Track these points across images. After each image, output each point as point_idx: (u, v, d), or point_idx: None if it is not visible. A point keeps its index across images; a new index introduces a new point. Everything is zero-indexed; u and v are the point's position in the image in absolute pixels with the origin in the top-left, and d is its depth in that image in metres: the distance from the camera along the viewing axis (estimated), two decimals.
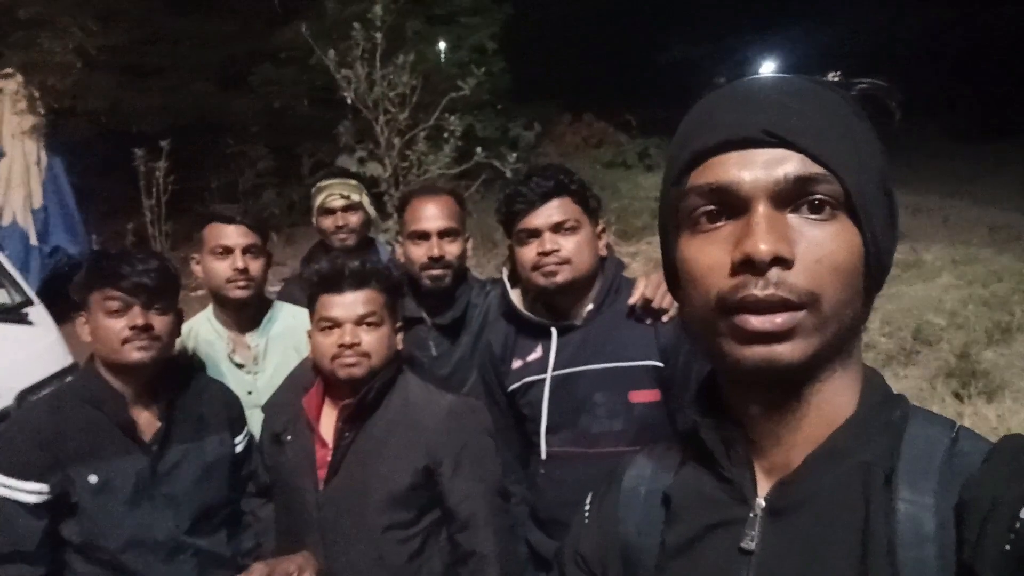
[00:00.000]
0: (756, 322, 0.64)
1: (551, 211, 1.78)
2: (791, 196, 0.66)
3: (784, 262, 0.64)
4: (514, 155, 6.42)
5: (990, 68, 13.15)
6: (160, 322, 1.79)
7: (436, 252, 2.13)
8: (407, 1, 7.39)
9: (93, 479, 1.73)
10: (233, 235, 2.15)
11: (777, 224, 0.65)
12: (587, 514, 0.89)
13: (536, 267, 1.79)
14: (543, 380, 1.84)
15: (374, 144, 6.37)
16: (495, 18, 9.97)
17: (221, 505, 1.93)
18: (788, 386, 0.69)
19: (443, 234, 2.15)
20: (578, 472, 1.72)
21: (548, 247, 1.77)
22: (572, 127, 11.28)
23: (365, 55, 6.03)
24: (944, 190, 10.11)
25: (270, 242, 2.31)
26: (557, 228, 1.78)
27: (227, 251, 2.14)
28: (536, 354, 1.88)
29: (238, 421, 2.03)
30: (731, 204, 0.67)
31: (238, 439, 2.00)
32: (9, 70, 6.81)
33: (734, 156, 0.67)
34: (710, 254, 0.68)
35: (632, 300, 1.79)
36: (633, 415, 1.74)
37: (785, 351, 0.64)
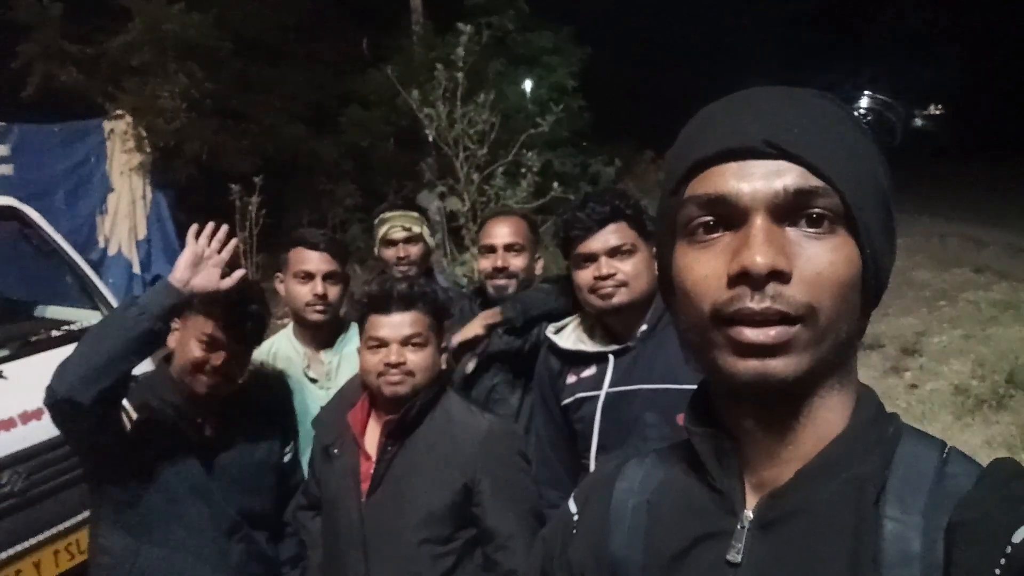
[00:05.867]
0: (751, 334, 0.63)
1: (607, 236, 1.80)
2: (790, 209, 0.64)
3: (781, 276, 0.62)
4: (591, 190, 6.45)
5: None
6: (239, 360, 1.94)
7: (500, 263, 2.31)
8: (489, 43, 7.61)
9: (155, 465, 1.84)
10: (316, 261, 2.26)
11: (775, 237, 0.63)
12: (575, 521, 0.87)
13: (593, 290, 1.81)
14: (596, 397, 1.83)
15: (454, 180, 6.54)
16: (575, 58, 10.13)
17: (265, 511, 2.02)
18: (783, 401, 0.67)
19: (508, 248, 2.34)
20: None
21: (605, 271, 1.78)
22: (653, 164, 11.25)
23: (447, 95, 6.24)
24: None
25: (353, 273, 2.43)
26: (614, 252, 1.80)
27: (309, 276, 2.25)
28: (590, 370, 1.88)
29: (286, 433, 2.14)
30: (729, 215, 0.66)
31: (286, 449, 2.11)
32: (119, 112, 7.36)
33: (733, 166, 0.66)
34: (706, 265, 0.67)
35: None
36: (681, 439, 1.71)
37: (779, 366, 0.63)
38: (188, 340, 1.87)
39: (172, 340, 1.93)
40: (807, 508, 0.67)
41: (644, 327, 1.83)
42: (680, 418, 1.69)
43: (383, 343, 1.81)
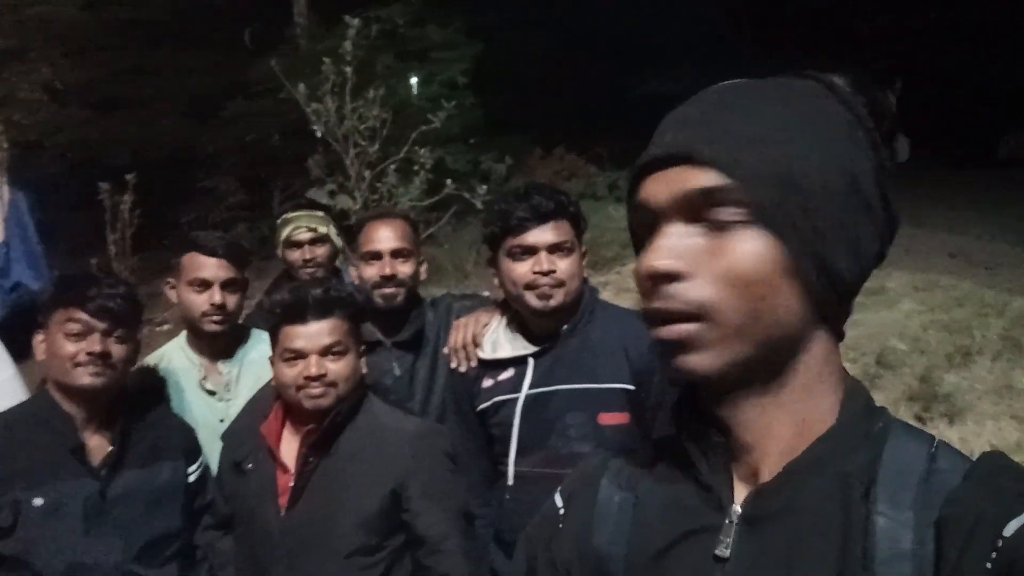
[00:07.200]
0: (661, 332, 0.68)
1: (549, 231, 1.77)
2: (695, 210, 0.67)
3: (679, 276, 0.66)
4: (484, 187, 6.49)
5: (954, 96, 13.45)
6: (117, 350, 1.79)
7: (388, 271, 2.17)
8: (378, 37, 7.46)
9: (38, 502, 1.70)
10: (213, 268, 2.13)
11: (675, 239, 0.67)
12: (561, 515, 0.87)
13: (530, 286, 1.77)
14: (515, 400, 1.82)
15: (344, 177, 6.39)
16: (466, 54, 10.09)
17: (172, 536, 1.89)
18: (734, 399, 0.70)
19: (395, 254, 2.20)
20: (546, 495, 1.72)
21: (546, 266, 1.76)
22: (543, 160, 11.37)
23: (335, 89, 6.08)
24: (906, 218, 10.33)
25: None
26: (554, 249, 1.77)
27: (205, 284, 2.12)
28: (508, 373, 1.87)
29: (192, 452, 2.00)
30: (651, 222, 0.71)
31: (191, 468, 1.97)
32: None
33: (656, 175, 0.70)
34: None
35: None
36: (603, 438, 1.73)
37: (695, 361, 0.67)
38: (56, 339, 1.75)
39: (40, 352, 1.80)
40: (795, 504, 0.67)
41: (565, 327, 1.83)
42: (602, 417, 1.75)
43: (300, 355, 1.73)
